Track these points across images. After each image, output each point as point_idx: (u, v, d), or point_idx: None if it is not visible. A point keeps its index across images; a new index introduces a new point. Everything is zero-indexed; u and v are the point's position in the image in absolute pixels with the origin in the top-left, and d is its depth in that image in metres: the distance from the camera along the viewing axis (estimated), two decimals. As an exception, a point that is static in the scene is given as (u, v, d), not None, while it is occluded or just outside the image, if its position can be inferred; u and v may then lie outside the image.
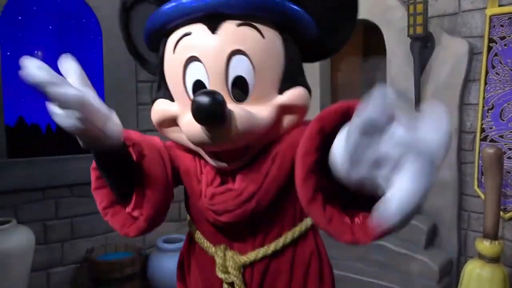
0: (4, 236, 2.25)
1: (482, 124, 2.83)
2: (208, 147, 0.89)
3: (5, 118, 2.48)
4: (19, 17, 2.51)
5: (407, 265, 2.89)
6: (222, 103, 0.76)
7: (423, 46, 2.93)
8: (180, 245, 2.83)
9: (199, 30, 0.84)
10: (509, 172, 2.71)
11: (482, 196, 2.70)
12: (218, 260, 0.94)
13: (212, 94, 0.76)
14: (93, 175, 0.98)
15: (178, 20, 0.86)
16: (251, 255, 0.93)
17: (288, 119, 0.90)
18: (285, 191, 0.90)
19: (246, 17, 0.83)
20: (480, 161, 2.77)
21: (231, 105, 0.80)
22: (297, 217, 0.97)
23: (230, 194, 0.88)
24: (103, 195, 0.94)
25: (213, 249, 0.97)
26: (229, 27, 0.83)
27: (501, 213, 2.71)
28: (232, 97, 0.85)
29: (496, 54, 2.74)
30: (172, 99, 0.92)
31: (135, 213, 0.91)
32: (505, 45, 2.70)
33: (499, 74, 2.74)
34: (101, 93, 2.84)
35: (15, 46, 2.51)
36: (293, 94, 0.88)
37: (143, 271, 2.88)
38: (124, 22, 1.10)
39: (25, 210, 2.60)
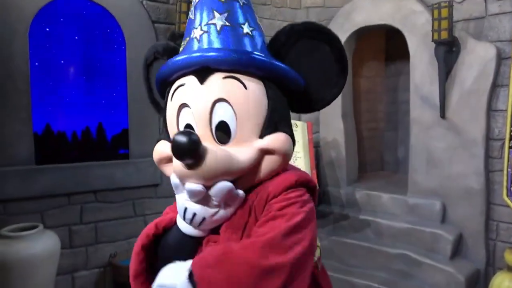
0: (32, 241, 2.31)
1: (511, 131, 2.73)
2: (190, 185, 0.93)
3: (33, 126, 2.57)
4: (47, 29, 2.60)
5: (431, 275, 2.81)
6: (196, 142, 0.85)
7: (448, 51, 2.86)
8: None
9: (190, 81, 0.96)
10: (541, 181, 2.60)
11: (512, 205, 2.61)
12: None
13: (188, 134, 0.85)
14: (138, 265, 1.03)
15: (176, 74, 0.99)
16: None
17: (267, 162, 0.95)
18: None
19: (232, 71, 0.94)
20: (509, 169, 2.67)
21: (211, 145, 0.89)
22: None
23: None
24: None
25: None
26: (215, 79, 0.94)
27: (532, 223, 2.61)
28: (215, 139, 0.94)
29: (525, 59, 2.65)
30: (170, 141, 0.98)
31: None
32: (535, 49, 2.61)
33: (529, 79, 2.64)
34: (124, 101, 2.90)
35: (43, 57, 2.60)
36: (272, 139, 0.95)
37: (164, 276, 2.92)
38: (145, 75, 1.25)
39: (51, 215, 2.67)
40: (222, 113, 0.94)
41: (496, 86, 2.81)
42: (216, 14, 0.98)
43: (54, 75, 2.66)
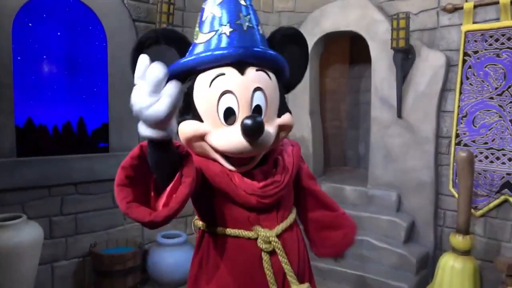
0: (17, 230, 2.38)
1: (457, 130, 3.11)
2: (243, 155, 1.18)
3: (15, 119, 2.62)
4: (30, 24, 2.65)
5: (388, 258, 3.14)
6: (263, 124, 1.12)
7: (404, 58, 3.19)
8: (177, 240, 3.00)
9: (231, 72, 1.16)
10: (480, 174, 2.99)
11: (456, 195, 2.97)
12: (261, 234, 1.22)
13: (258, 118, 1.10)
14: (122, 173, 1.03)
15: (210, 65, 1.16)
16: (278, 228, 1.26)
17: (281, 135, 1.28)
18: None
19: (259, 65, 1.19)
20: (455, 164, 3.04)
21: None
22: (292, 203, 1.40)
23: (276, 184, 1.25)
24: (128, 192, 1.01)
25: (248, 232, 1.23)
26: (251, 71, 1.18)
27: (473, 210, 2.99)
28: None
29: (470, 67, 3.02)
30: (201, 120, 1.17)
31: (161, 204, 1.02)
32: (477, 58, 2.99)
33: (472, 85, 3.02)
34: (105, 97, 2.99)
35: (25, 51, 2.64)
36: (285, 118, 1.27)
37: (143, 264, 3.05)
38: (135, 57, 1.11)
39: (32, 206, 2.72)
40: (259, 99, 1.19)
41: (445, 90, 3.18)
42: (241, 15, 1.18)
43: (37, 70, 2.72)
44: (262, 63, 1.20)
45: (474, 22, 3.00)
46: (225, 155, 1.20)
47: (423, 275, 3.11)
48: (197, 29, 1.24)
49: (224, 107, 1.16)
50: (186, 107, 1.20)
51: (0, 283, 2.33)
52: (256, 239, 1.23)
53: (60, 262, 2.89)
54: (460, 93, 3.07)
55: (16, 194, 2.67)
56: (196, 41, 1.22)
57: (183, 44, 1.25)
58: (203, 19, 1.21)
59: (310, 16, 3.79)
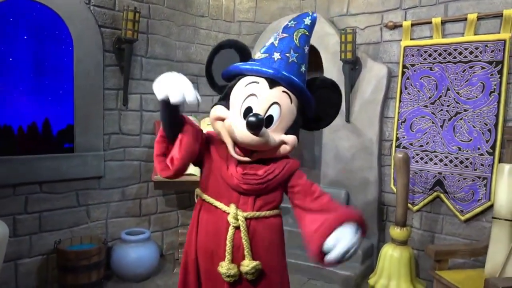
0: None
1: (397, 134, 3.48)
2: (245, 145, 1.53)
3: (-20, 120, 2.68)
4: (-4, 27, 2.73)
5: (337, 250, 3.45)
6: (263, 121, 1.47)
7: (352, 68, 3.53)
8: (141, 237, 3.17)
9: (263, 83, 1.55)
10: (417, 173, 3.38)
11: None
12: (232, 211, 1.55)
13: (259, 115, 1.46)
14: (159, 133, 1.59)
15: (253, 73, 1.57)
16: (251, 214, 1.58)
17: (282, 148, 1.61)
18: (278, 189, 1.65)
19: (288, 88, 1.56)
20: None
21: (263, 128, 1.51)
22: (275, 205, 1.68)
23: (255, 177, 1.57)
24: (159, 147, 1.57)
25: (226, 207, 1.57)
26: (278, 89, 1.55)
27: (410, 206, 3.37)
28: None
29: (408, 78, 3.41)
30: (228, 108, 1.58)
31: (169, 163, 1.53)
32: (414, 71, 3.37)
33: (410, 94, 3.41)
34: (70, 99, 3.09)
35: (-8, 54, 2.72)
36: (290, 137, 1.61)
37: (107, 260, 3.16)
38: (212, 55, 1.70)
39: (-4, 205, 2.80)
40: (273, 111, 1.55)
41: (387, 98, 3.55)
42: (292, 51, 1.58)
43: (3, 72, 2.78)
44: (289, 88, 1.56)
45: (411, 39, 3.39)
46: (234, 142, 1.55)
47: (368, 265, 3.45)
48: (259, 51, 1.67)
49: (246, 105, 1.54)
50: (224, 96, 1.61)
51: (-35, 279, 2.40)
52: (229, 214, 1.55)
53: (24, 259, 2.95)
54: (400, 101, 3.45)
55: (-20, 192, 2.72)
56: (254, 57, 1.66)
57: (246, 54, 1.69)
58: (266, 44, 1.66)
59: (269, 26, 4.06)
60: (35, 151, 2.96)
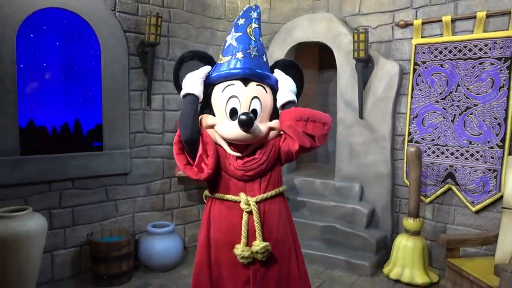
0: (23, 221, 2.64)
1: (409, 129, 3.61)
2: (240, 141, 1.72)
3: (18, 121, 2.87)
4: (31, 35, 2.91)
5: (352, 241, 3.60)
6: (253, 119, 1.65)
7: (365, 66, 3.66)
8: (166, 229, 3.35)
9: (238, 84, 1.73)
10: (428, 167, 3.50)
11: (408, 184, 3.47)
12: (243, 198, 1.70)
13: (250, 114, 1.64)
14: (176, 146, 1.74)
15: (226, 78, 1.74)
16: (259, 197, 1.76)
17: (271, 134, 1.81)
18: (275, 166, 1.83)
19: (260, 81, 1.77)
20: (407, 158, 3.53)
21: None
22: (280, 182, 1.87)
23: (254, 161, 1.76)
24: (183, 158, 1.74)
25: (236, 197, 1.76)
26: (252, 85, 1.75)
27: (423, 198, 3.50)
28: None
29: (419, 75, 3.53)
30: (213, 115, 1.77)
31: (203, 167, 1.70)
32: (425, 68, 3.49)
33: (421, 90, 3.53)
34: (98, 100, 3.28)
35: (28, 59, 2.89)
36: (274, 122, 1.80)
37: (135, 251, 3.36)
38: (177, 67, 1.85)
39: (33, 200, 2.98)
40: (255, 105, 1.74)
41: (399, 94, 3.67)
42: (251, 47, 1.75)
43: (37, 76, 2.98)
44: (261, 81, 1.76)
45: (422, 37, 3.50)
46: (228, 141, 1.73)
47: (382, 255, 3.59)
48: (220, 55, 1.80)
49: (230, 107, 1.73)
50: (205, 105, 1.80)
51: (11, 268, 2.60)
52: (240, 202, 1.73)
53: (59, 251, 3.17)
54: (411, 97, 3.57)
55: (19, 189, 2.93)
56: (219, 62, 1.81)
57: (207, 60, 1.84)
58: (225, 47, 1.79)
59: (283, 27, 4.21)
60: (67, 149, 3.16)
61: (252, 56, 1.74)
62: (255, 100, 1.74)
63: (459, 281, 2.75)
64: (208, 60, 1.84)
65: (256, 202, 1.74)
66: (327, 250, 3.62)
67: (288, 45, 4.13)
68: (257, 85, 1.75)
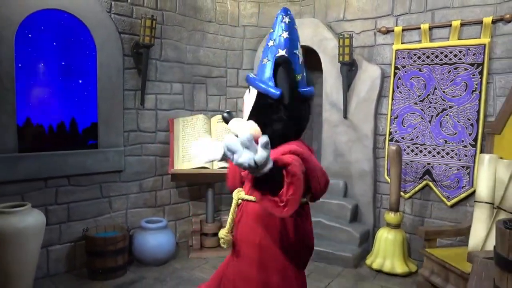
0: (23, 216, 2.71)
1: (390, 129, 3.84)
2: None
3: (16, 119, 2.94)
4: (30, 35, 2.98)
5: (337, 235, 3.80)
6: (228, 116, 1.76)
7: (349, 70, 3.88)
8: (159, 225, 3.47)
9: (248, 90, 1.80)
10: (408, 164, 3.74)
11: (389, 181, 3.70)
12: (235, 193, 1.83)
13: (228, 111, 1.77)
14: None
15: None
16: (245, 196, 1.80)
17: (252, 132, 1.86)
18: None
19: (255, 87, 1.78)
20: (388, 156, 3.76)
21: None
22: None
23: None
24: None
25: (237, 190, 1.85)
26: (253, 91, 1.77)
27: (402, 193, 3.74)
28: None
29: (399, 78, 3.77)
30: None
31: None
32: (405, 72, 3.73)
33: (401, 93, 3.77)
34: (94, 100, 3.37)
35: (26, 59, 2.96)
36: (250, 122, 1.79)
37: (129, 246, 3.46)
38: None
39: (30, 196, 3.04)
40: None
41: (381, 96, 3.90)
42: (269, 54, 1.76)
43: (35, 76, 3.06)
44: (256, 87, 1.77)
45: (402, 43, 3.74)
46: None
47: (365, 247, 3.81)
48: None
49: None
50: None
51: (10, 262, 2.68)
52: None
53: (55, 246, 3.24)
54: (392, 99, 3.81)
55: (16, 185, 3.00)
56: None
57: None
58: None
59: (271, 31, 4.38)
60: (63, 147, 3.24)
61: (264, 62, 1.77)
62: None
63: (436, 269, 2.98)
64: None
65: (243, 200, 1.81)
66: (315, 244, 3.79)
67: (276, 48, 4.30)
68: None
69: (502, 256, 1.65)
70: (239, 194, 1.84)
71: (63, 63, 3.20)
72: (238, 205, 1.83)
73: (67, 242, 3.32)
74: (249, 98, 1.81)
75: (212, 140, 1.70)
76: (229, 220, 1.84)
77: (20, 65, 2.96)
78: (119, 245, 3.23)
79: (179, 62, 3.96)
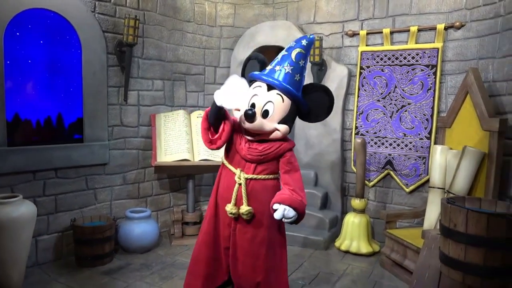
0: (15, 207, 2.83)
1: (356, 123, 4.22)
2: (247, 128, 2.29)
3: (5, 114, 3.04)
4: (17, 33, 3.08)
5: (309, 220, 4.14)
6: (255, 113, 2.21)
7: (319, 69, 4.21)
8: (143, 214, 3.69)
9: (263, 87, 2.27)
10: (372, 155, 4.13)
11: (355, 171, 4.07)
12: (237, 173, 2.24)
13: (250, 109, 2.19)
14: (204, 124, 2.33)
15: (260, 80, 2.29)
16: (250, 176, 2.25)
17: (274, 133, 2.30)
18: (273, 160, 2.34)
19: (280, 91, 2.24)
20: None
21: (258, 117, 2.23)
22: (273, 171, 2.37)
23: (256, 151, 2.31)
24: (206, 134, 2.32)
25: (235, 169, 2.25)
26: (273, 92, 2.25)
27: (367, 182, 4.13)
28: (261, 115, 2.25)
29: (364, 77, 4.14)
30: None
31: (217, 139, 2.29)
32: (369, 71, 4.11)
33: (366, 91, 4.15)
34: (79, 95, 3.51)
35: (14, 56, 3.07)
36: (281, 126, 2.29)
37: (115, 235, 3.64)
38: (245, 64, 2.52)
39: (19, 188, 3.16)
40: (269, 107, 2.24)
41: (348, 94, 4.27)
42: (288, 65, 2.25)
43: (23, 72, 3.17)
44: (282, 91, 2.23)
45: (367, 45, 4.12)
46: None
47: (334, 231, 4.18)
48: (271, 64, 2.34)
49: (252, 101, 2.26)
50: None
51: (4, 250, 2.81)
52: (235, 174, 2.29)
53: (43, 236, 3.38)
54: (358, 96, 4.18)
55: (6, 178, 3.11)
56: (266, 68, 2.34)
57: (264, 64, 2.37)
58: (274, 60, 2.33)
59: (248, 31, 4.64)
60: (51, 141, 3.37)
61: (286, 71, 2.21)
62: (270, 103, 2.23)
63: (396, 247, 3.38)
64: (262, 63, 2.37)
65: (247, 179, 2.26)
66: (288, 229, 4.07)
67: (251, 47, 4.57)
68: (277, 93, 2.23)
69: (445, 226, 2.03)
70: (240, 175, 2.27)
71: (49, 60, 3.32)
72: (240, 183, 2.27)
73: (55, 232, 3.46)
74: (281, 105, 2.24)
75: (241, 87, 2.16)
76: (233, 197, 2.27)
77: (8, 62, 3.07)
78: (106, 233, 3.42)
79: (160, 60, 4.15)
